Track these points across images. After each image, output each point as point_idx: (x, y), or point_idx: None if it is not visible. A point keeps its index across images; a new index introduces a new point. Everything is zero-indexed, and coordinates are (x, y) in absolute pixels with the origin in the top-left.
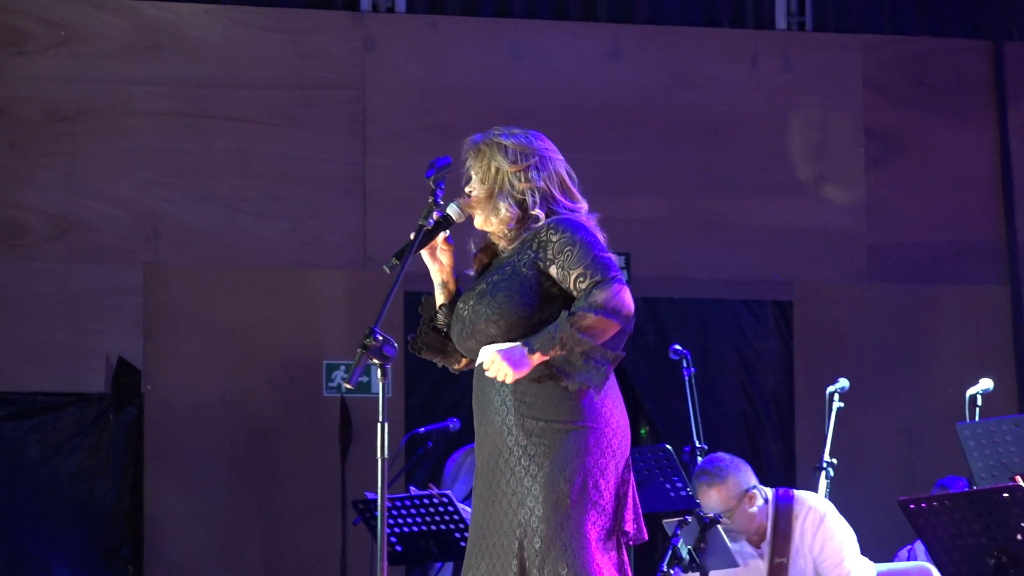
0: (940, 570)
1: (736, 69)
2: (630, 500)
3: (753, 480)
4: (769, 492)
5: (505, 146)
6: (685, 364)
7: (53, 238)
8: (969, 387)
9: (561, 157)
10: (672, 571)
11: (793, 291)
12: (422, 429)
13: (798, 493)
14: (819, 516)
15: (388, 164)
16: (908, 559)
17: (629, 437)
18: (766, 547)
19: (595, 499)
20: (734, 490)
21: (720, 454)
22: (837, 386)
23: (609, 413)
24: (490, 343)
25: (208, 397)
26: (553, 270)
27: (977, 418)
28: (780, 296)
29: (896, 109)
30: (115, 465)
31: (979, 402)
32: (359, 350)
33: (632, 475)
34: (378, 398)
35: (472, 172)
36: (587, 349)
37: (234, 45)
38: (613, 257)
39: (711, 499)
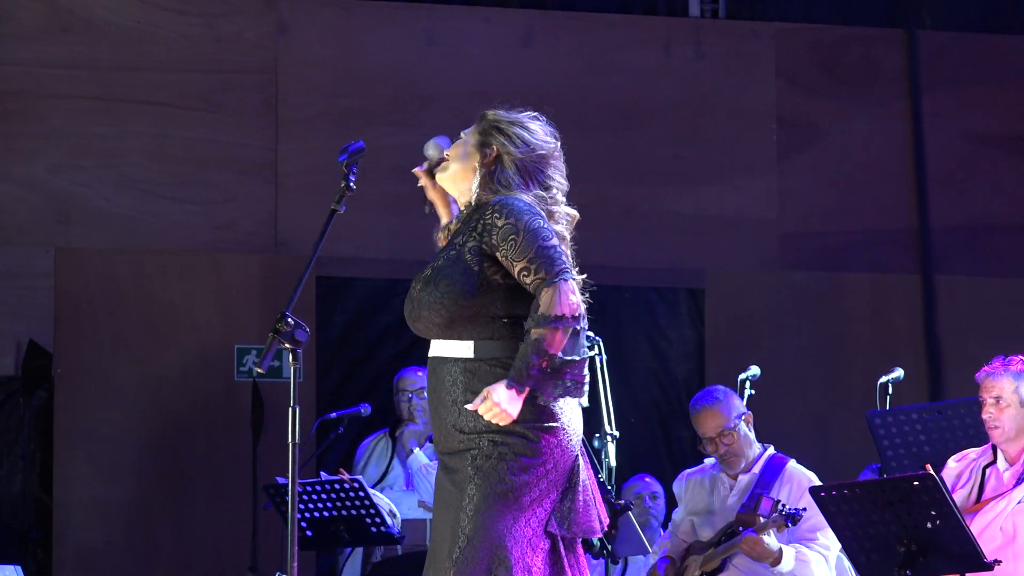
0: (850, 558)
1: (649, 56)
2: (580, 496)
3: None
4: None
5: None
6: (597, 351)
7: None
8: (880, 375)
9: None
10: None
11: (705, 279)
12: (334, 414)
13: (792, 460)
14: (808, 482)
15: (300, 149)
16: None
17: (580, 434)
18: (744, 482)
19: (535, 496)
20: (734, 410)
21: (713, 387)
22: (748, 374)
23: (560, 412)
24: (435, 330)
25: (119, 381)
26: (498, 256)
27: (888, 406)
28: (692, 284)
29: (808, 97)
30: (24, 449)
31: (890, 390)
32: (271, 334)
33: (590, 471)
34: (290, 383)
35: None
36: (557, 366)
37: (148, 28)
38: (556, 242)
39: (715, 418)
